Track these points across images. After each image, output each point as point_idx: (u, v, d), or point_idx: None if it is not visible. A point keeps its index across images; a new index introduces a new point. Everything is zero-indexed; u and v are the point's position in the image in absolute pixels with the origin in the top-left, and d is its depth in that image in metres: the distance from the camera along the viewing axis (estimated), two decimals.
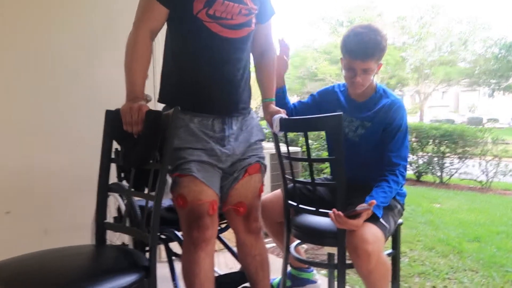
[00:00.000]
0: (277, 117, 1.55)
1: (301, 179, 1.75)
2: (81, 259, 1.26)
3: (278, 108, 1.60)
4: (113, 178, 1.42)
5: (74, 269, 1.16)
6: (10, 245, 1.85)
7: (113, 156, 1.41)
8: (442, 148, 6.41)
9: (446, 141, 6.37)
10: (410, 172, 6.79)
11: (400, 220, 1.71)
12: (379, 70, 1.69)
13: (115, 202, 1.78)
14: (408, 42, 20.15)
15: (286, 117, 1.57)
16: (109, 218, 1.50)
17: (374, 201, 1.43)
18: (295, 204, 1.61)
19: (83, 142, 2.14)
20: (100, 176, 1.39)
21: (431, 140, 6.49)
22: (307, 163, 1.56)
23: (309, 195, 1.72)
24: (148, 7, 1.37)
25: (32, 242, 1.55)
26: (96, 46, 2.24)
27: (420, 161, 6.66)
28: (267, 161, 1.61)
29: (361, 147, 1.70)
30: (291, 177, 1.60)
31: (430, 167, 6.61)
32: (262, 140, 1.57)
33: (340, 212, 1.40)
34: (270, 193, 1.87)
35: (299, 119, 1.60)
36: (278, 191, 1.83)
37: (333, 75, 18.23)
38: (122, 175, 1.45)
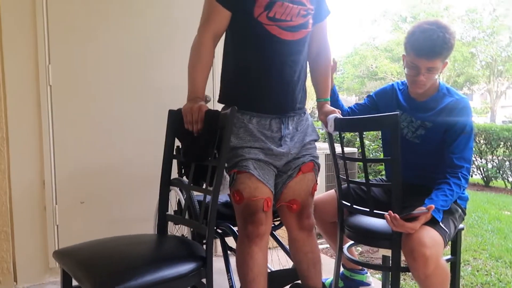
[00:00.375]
0: (331, 117, 1.55)
1: (357, 180, 1.73)
2: (144, 246, 1.36)
3: (332, 108, 1.60)
4: (174, 174, 1.51)
5: (138, 254, 1.26)
6: (83, 231, 2.05)
7: (174, 153, 1.51)
8: None
9: None
10: (477, 177, 6.35)
11: (461, 225, 1.63)
12: (444, 69, 1.62)
13: (176, 196, 1.89)
14: (478, 36, 18.68)
15: (341, 117, 1.57)
16: (171, 211, 1.60)
17: (433, 206, 1.38)
18: (348, 204, 1.60)
19: (147, 141, 2.29)
20: (162, 172, 1.49)
21: (502, 143, 6.02)
22: (364, 164, 1.54)
23: (363, 196, 1.70)
24: (212, 11, 1.43)
25: (102, 229, 1.71)
26: (159, 49, 2.38)
27: (489, 165, 6.20)
28: (322, 161, 1.62)
29: (421, 148, 1.65)
30: (345, 177, 1.59)
31: (501, 172, 6.13)
32: (316, 140, 1.58)
33: (396, 215, 1.37)
34: (323, 193, 1.87)
35: (353, 119, 1.59)
36: (332, 192, 1.82)
37: (394, 73, 17.47)
38: (183, 171, 1.53)
